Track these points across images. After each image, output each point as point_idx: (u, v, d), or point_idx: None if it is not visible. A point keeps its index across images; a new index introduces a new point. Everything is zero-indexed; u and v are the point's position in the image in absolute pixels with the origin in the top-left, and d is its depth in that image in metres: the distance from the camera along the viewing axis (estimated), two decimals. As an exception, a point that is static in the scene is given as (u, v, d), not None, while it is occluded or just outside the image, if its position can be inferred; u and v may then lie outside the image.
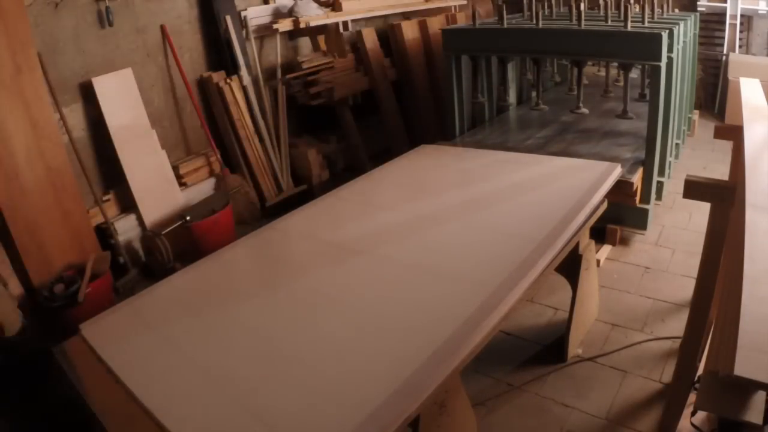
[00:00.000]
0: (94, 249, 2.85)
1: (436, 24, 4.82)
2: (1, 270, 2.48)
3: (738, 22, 5.05)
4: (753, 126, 1.60)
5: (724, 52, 5.18)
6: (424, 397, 1.12)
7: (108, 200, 3.13)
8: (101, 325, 1.46)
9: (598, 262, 2.77)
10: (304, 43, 4.40)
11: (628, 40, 2.74)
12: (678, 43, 3.02)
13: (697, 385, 1.63)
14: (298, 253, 1.74)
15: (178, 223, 3.10)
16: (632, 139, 3.25)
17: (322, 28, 4.15)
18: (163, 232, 3.03)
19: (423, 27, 4.77)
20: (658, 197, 3.24)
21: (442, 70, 3.96)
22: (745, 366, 0.76)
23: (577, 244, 2.01)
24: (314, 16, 3.94)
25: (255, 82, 3.80)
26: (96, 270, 2.70)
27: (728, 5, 5.03)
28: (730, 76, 4.88)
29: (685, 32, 3.34)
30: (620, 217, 2.97)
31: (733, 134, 1.94)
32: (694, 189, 1.57)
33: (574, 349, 2.22)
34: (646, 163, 2.93)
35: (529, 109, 3.93)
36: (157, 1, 3.33)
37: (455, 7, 5.29)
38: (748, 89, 1.98)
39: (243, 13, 3.78)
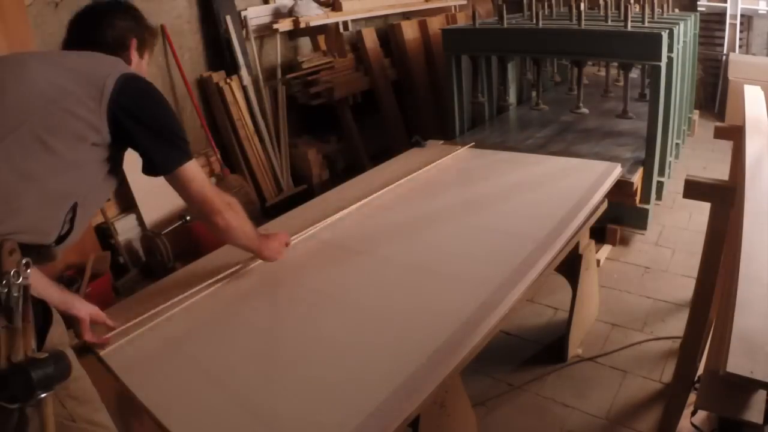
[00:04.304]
0: (94, 249, 2.85)
1: (436, 24, 4.82)
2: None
3: (738, 22, 5.05)
4: (753, 140, 1.60)
5: (724, 52, 5.18)
6: (424, 397, 1.11)
7: (108, 200, 3.13)
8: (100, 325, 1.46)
9: (598, 262, 2.77)
10: (304, 43, 4.40)
11: (628, 40, 2.74)
12: (678, 43, 3.02)
13: (697, 385, 1.63)
14: (297, 253, 1.74)
15: (178, 223, 3.10)
16: (632, 139, 3.25)
17: (322, 28, 4.15)
18: (163, 232, 3.03)
19: (423, 27, 4.77)
20: (658, 197, 3.23)
21: (442, 70, 3.96)
22: (737, 364, 0.77)
23: (577, 244, 2.01)
24: (314, 16, 3.95)
25: (255, 82, 3.81)
26: (96, 270, 2.71)
27: (728, 5, 5.03)
28: (730, 76, 4.88)
29: (685, 32, 3.34)
30: (620, 217, 2.97)
31: (733, 134, 1.94)
32: (694, 189, 1.57)
33: (574, 349, 2.22)
34: (646, 163, 2.93)
35: (529, 109, 3.93)
36: (156, 1, 3.32)
37: (455, 7, 5.29)
38: (751, 99, 1.97)
39: (243, 13, 3.78)
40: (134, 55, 1.35)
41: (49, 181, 1.09)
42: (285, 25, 3.88)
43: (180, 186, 1.31)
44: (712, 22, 5.18)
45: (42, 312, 1.03)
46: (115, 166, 1.25)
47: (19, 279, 0.97)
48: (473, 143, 2.69)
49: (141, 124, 1.21)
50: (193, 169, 1.31)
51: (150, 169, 1.28)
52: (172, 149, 1.27)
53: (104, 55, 1.25)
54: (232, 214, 1.41)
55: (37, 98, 1.11)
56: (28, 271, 1.00)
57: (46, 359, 0.93)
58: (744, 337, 0.82)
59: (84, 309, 1.27)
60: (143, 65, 1.40)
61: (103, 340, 1.30)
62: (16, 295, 0.97)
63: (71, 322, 1.24)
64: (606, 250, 2.98)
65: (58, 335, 0.97)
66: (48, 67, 1.17)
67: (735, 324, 0.85)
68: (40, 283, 1.14)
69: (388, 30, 4.69)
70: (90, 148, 1.16)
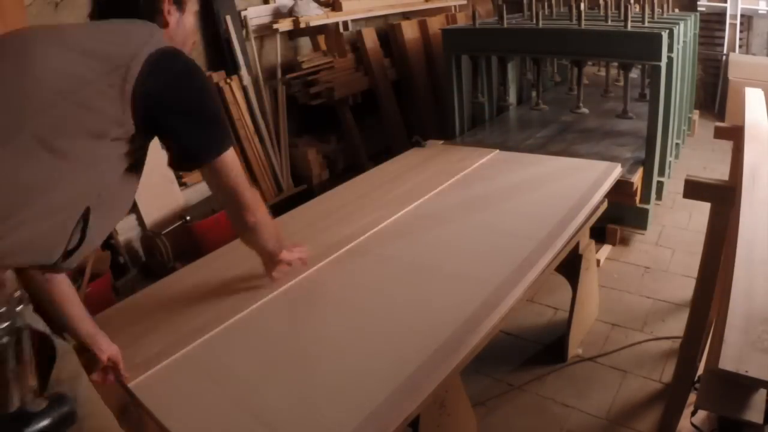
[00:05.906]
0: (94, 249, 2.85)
1: (436, 24, 4.82)
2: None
3: (738, 22, 5.05)
4: (752, 146, 1.60)
5: (724, 52, 5.18)
6: (424, 397, 1.11)
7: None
8: (99, 324, 1.46)
9: (598, 262, 2.77)
10: (304, 43, 4.40)
11: (628, 40, 2.74)
12: (678, 43, 3.02)
13: (697, 385, 1.63)
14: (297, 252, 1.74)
15: (178, 223, 3.10)
16: (632, 139, 3.25)
17: (322, 28, 4.15)
18: (163, 232, 3.03)
19: (423, 27, 4.77)
20: (658, 197, 3.24)
21: (442, 70, 3.96)
22: (729, 361, 0.78)
23: (577, 244, 2.01)
24: (314, 16, 3.95)
25: (255, 82, 3.80)
26: (96, 270, 2.70)
27: (728, 5, 5.03)
28: (730, 76, 4.88)
29: (685, 32, 3.34)
30: (620, 217, 2.97)
31: (733, 134, 1.94)
32: (694, 189, 1.57)
33: (574, 349, 2.22)
34: (646, 163, 2.93)
35: (529, 109, 3.93)
36: (157, 1, 3.32)
37: (455, 7, 5.29)
38: (752, 104, 1.96)
39: (243, 13, 3.78)
40: (172, 12, 1.14)
41: (53, 190, 0.93)
42: (285, 25, 3.88)
43: (216, 176, 1.14)
44: (712, 22, 5.18)
45: (44, 346, 0.90)
46: (137, 161, 1.09)
47: (6, 322, 0.79)
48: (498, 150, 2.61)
49: (174, 110, 1.04)
50: (232, 158, 1.15)
51: (184, 160, 1.11)
52: (212, 136, 1.10)
53: (134, 25, 1.05)
54: (263, 212, 1.28)
55: (43, 95, 0.93)
56: (21, 306, 0.83)
57: (44, 410, 0.76)
58: (738, 333, 0.83)
59: (107, 352, 1.15)
60: (188, 18, 1.18)
61: (107, 382, 1.19)
62: (4, 341, 0.79)
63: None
64: (606, 250, 2.98)
65: (68, 370, 0.82)
66: (58, 51, 0.97)
67: (729, 322, 0.85)
68: (73, 311, 1.02)
69: (388, 30, 4.69)
70: (109, 144, 0.98)
